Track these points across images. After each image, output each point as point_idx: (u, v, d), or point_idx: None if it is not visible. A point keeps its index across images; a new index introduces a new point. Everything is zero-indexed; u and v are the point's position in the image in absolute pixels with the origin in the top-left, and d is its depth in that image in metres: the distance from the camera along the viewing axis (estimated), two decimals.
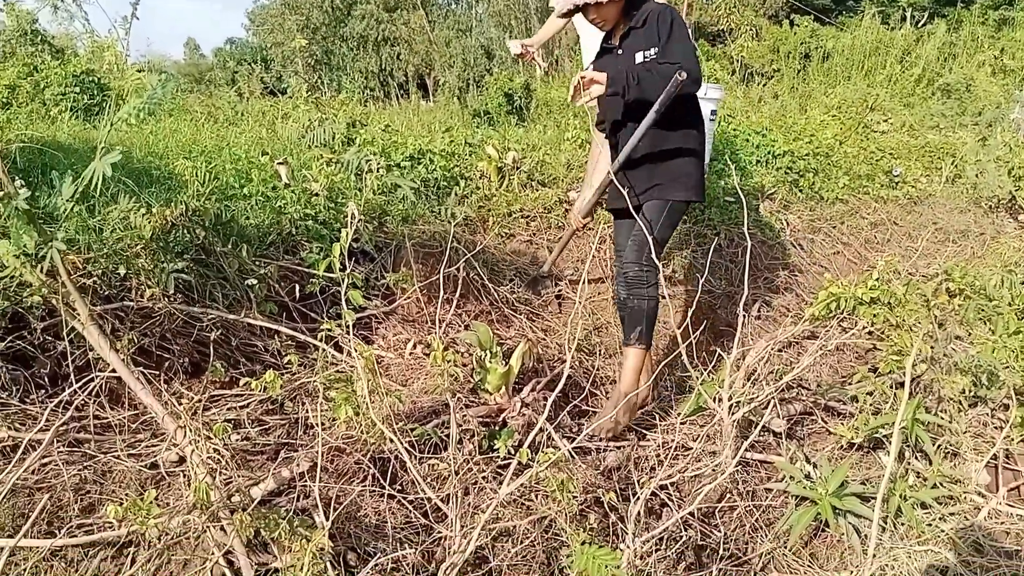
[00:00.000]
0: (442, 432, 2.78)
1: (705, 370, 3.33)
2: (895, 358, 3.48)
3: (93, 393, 2.67)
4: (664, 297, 3.57)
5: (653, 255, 3.15)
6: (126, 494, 2.42)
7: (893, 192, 6.90)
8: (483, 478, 2.63)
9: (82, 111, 6.20)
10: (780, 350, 3.89)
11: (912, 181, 7.20)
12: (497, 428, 3.01)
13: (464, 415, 2.92)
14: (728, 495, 3.01)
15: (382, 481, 2.53)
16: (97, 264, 2.89)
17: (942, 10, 25.69)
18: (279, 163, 3.99)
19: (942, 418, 3.31)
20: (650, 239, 3.15)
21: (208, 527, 2.14)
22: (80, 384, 2.62)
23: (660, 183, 3.35)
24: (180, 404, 2.46)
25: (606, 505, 2.56)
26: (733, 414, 3.00)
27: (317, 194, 3.86)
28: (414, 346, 3.44)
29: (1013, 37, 17.26)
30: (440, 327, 3.34)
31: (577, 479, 2.79)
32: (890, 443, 2.91)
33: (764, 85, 12.18)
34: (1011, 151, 7.24)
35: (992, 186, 7.03)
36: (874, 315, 3.47)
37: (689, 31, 3.10)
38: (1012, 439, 3.31)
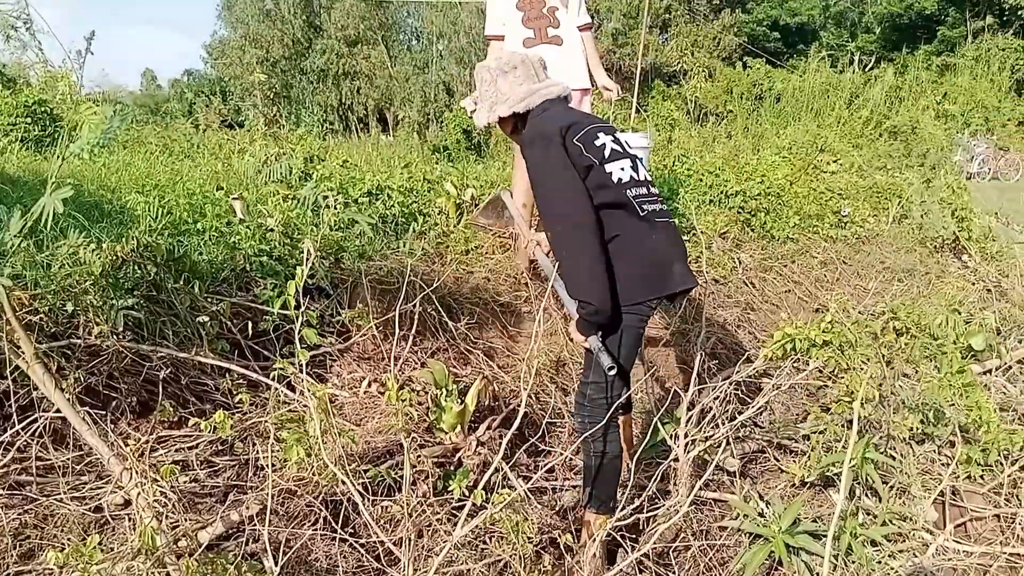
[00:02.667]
0: (396, 473, 2.75)
1: (661, 408, 3.35)
2: (846, 399, 3.54)
3: (36, 434, 2.59)
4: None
5: (594, 399, 2.68)
6: (68, 539, 2.35)
7: (842, 232, 7.09)
8: (437, 520, 2.61)
9: (33, 142, 6.12)
10: (735, 389, 3.94)
11: (860, 221, 7.39)
12: (453, 468, 2.99)
13: (419, 455, 2.90)
14: (682, 535, 3.02)
15: (334, 524, 2.50)
16: (44, 301, 2.82)
17: (889, 54, 26.70)
18: (234, 198, 3.96)
19: (891, 456, 3.37)
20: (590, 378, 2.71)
21: (153, 573, 2.08)
22: (23, 424, 2.56)
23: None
24: (127, 445, 2.40)
25: (562, 546, 2.55)
26: (689, 452, 3.02)
27: (272, 229, 3.84)
28: (369, 384, 3.41)
29: (955, 83, 17.95)
30: (396, 365, 3.32)
31: (533, 520, 2.78)
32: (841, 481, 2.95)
33: (718, 125, 12.45)
34: (954, 193, 7.48)
35: (937, 226, 7.26)
36: (827, 357, 3.54)
37: (554, 164, 2.55)
38: (958, 476, 3.39)
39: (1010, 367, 4.52)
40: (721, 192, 6.53)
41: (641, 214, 2.56)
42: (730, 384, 3.18)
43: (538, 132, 2.62)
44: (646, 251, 2.58)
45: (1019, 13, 25.03)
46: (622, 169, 2.58)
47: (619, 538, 2.66)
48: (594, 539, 2.45)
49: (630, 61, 23.01)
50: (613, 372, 2.52)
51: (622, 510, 2.49)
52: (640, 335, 2.72)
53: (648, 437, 3.43)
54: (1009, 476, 3.38)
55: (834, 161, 9.16)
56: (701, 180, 6.60)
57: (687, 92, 16.84)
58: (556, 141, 2.54)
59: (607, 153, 2.58)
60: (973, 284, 6.38)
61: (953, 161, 9.50)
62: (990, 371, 4.49)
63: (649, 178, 2.71)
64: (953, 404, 3.61)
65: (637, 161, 2.69)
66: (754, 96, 15.61)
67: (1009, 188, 12.70)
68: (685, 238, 5.63)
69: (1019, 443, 3.40)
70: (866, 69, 15.69)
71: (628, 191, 2.56)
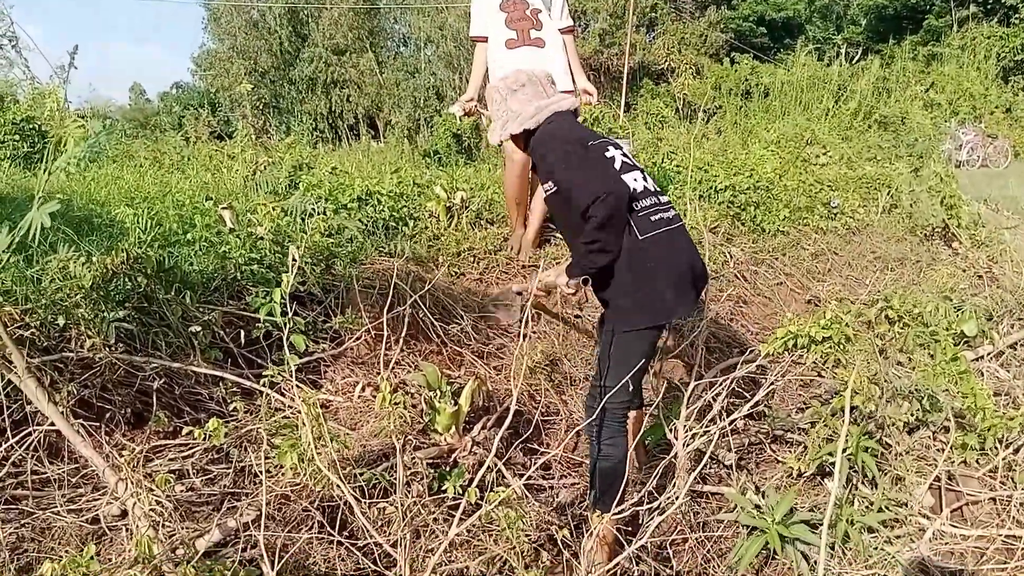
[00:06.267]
0: (391, 475, 2.75)
1: (658, 402, 3.34)
2: (843, 391, 3.55)
3: (31, 448, 2.60)
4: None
5: (604, 403, 2.71)
6: (65, 551, 2.35)
7: (832, 223, 7.11)
8: (433, 520, 2.61)
9: (22, 159, 6.11)
10: (736, 386, 3.96)
11: (850, 212, 7.42)
12: (448, 469, 2.99)
13: (413, 457, 2.91)
14: (680, 527, 3.04)
15: (330, 528, 2.50)
16: (35, 315, 2.82)
17: (875, 46, 26.77)
18: (223, 208, 3.96)
19: (887, 444, 3.38)
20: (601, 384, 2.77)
21: None
22: (17, 439, 2.56)
23: (609, 308, 2.84)
24: (122, 456, 2.40)
25: (559, 542, 2.55)
26: (687, 446, 3.03)
27: (262, 238, 3.84)
28: (363, 389, 3.42)
29: (941, 72, 18.04)
30: (388, 368, 3.33)
31: (530, 516, 2.79)
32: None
33: (707, 121, 12.48)
34: (942, 181, 7.52)
35: (926, 215, 7.29)
36: (825, 352, 3.56)
37: (567, 151, 2.70)
38: (953, 461, 3.40)
39: (1003, 352, 4.54)
40: (711, 187, 6.55)
41: (645, 233, 2.64)
42: (732, 381, 3.19)
43: (549, 134, 2.77)
44: (646, 278, 2.68)
45: (1003, 1, 25.14)
46: (635, 180, 2.71)
47: (616, 532, 2.68)
48: (591, 533, 2.46)
49: (617, 60, 23.05)
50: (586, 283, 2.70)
51: (619, 504, 2.51)
52: (648, 350, 2.82)
53: (645, 431, 3.45)
54: (1004, 459, 3.40)
55: (823, 153, 9.20)
56: (691, 176, 6.62)
57: (675, 89, 16.88)
58: (572, 140, 2.71)
59: (618, 165, 2.71)
60: (964, 271, 6.41)
61: (941, 150, 9.52)
62: (983, 357, 4.52)
63: (656, 188, 2.81)
64: (947, 391, 3.63)
65: (643, 172, 2.80)
66: (742, 92, 15.66)
67: (998, 175, 12.76)
68: None
69: (1015, 428, 3.42)
70: (853, 61, 15.76)
71: (640, 202, 2.68)
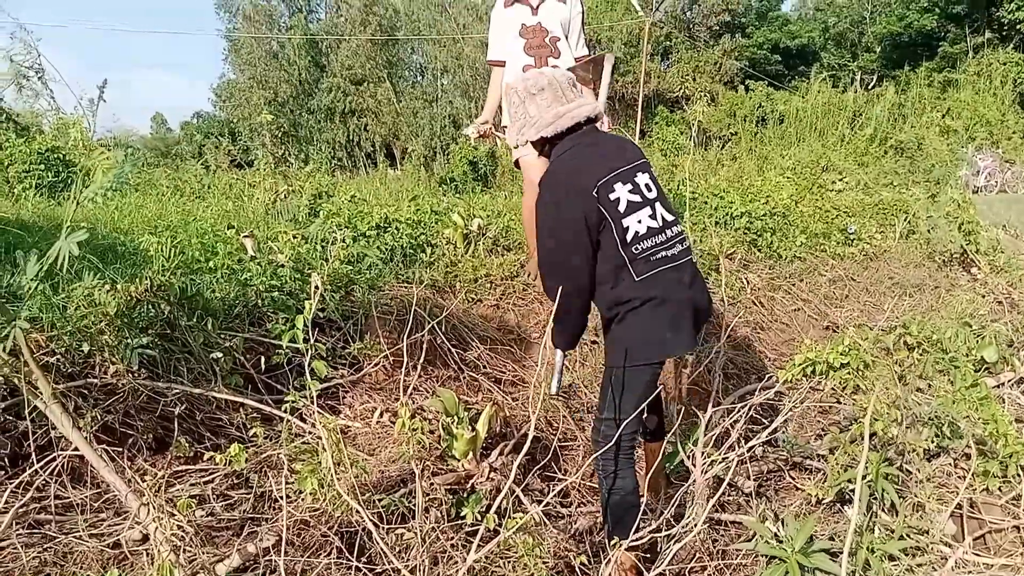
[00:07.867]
0: (409, 501, 2.76)
1: (675, 429, 3.34)
2: (863, 419, 3.54)
3: (55, 472, 2.63)
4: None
5: (608, 435, 2.71)
6: (87, 575, 2.37)
7: (849, 249, 7.10)
8: (451, 546, 2.62)
9: (47, 188, 6.22)
10: (754, 413, 3.95)
11: (867, 238, 7.41)
12: (465, 494, 3.00)
13: (431, 483, 2.91)
14: (698, 555, 3.02)
15: (348, 554, 2.51)
16: (61, 342, 2.87)
17: (891, 73, 26.75)
18: (245, 236, 4.02)
19: (907, 471, 3.36)
20: (603, 417, 2.79)
21: None
22: (42, 464, 2.59)
23: (608, 347, 2.85)
24: (144, 481, 2.43)
25: (578, 569, 2.55)
26: (706, 473, 3.02)
27: (283, 265, 3.89)
28: (381, 415, 3.44)
29: (957, 98, 18.01)
30: (406, 394, 3.34)
31: (548, 543, 2.79)
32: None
33: (722, 148, 12.52)
34: (959, 207, 7.49)
35: (944, 241, 7.26)
36: (843, 379, 3.55)
37: (556, 219, 2.68)
38: (975, 488, 3.37)
39: (1023, 379, 4.50)
40: (727, 214, 6.56)
41: (641, 275, 2.61)
42: (750, 408, 3.17)
43: (556, 182, 2.68)
44: (643, 317, 2.65)
45: (1018, 27, 25.10)
46: (639, 221, 2.61)
47: (635, 559, 2.67)
48: (609, 560, 2.45)
49: (632, 88, 23.21)
50: (554, 392, 2.98)
51: (637, 531, 2.50)
52: (648, 386, 2.76)
53: (663, 457, 3.43)
54: None
55: (839, 179, 9.20)
56: (706, 203, 6.64)
57: (690, 117, 16.96)
58: (573, 200, 2.60)
59: (623, 208, 2.60)
60: (983, 296, 6.37)
61: (958, 176, 9.50)
62: (1004, 383, 4.48)
63: (669, 217, 2.72)
64: (968, 417, 3.60)
65: (657, 204, 2.69)
66: (757, 119, 15.70)
67: (1016, 200, 12.67)
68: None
69: None
70: (868, 88, 15.79)
71: (641, 244, 2.61)
